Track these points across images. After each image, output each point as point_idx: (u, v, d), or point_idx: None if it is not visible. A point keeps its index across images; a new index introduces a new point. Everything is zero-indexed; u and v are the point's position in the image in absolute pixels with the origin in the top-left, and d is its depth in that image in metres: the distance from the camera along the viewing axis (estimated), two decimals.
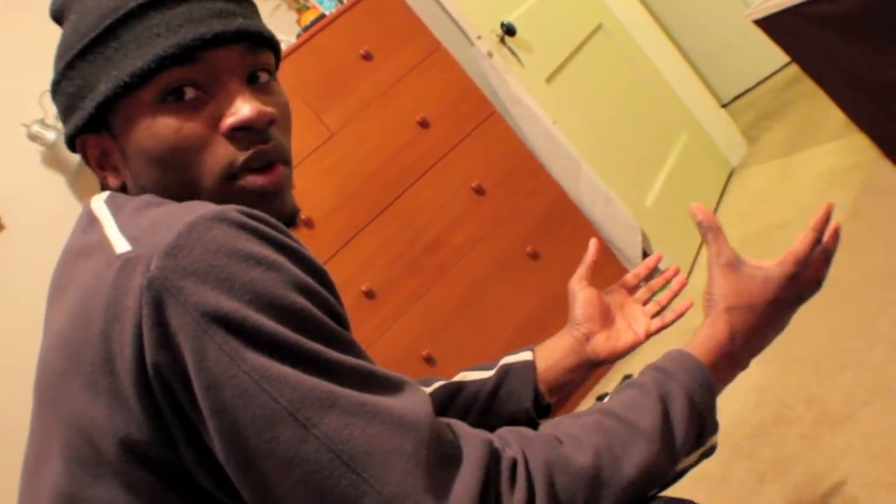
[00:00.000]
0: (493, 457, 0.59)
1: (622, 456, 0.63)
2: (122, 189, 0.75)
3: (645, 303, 1.04)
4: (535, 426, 0.82)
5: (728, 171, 3.00)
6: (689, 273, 2.58)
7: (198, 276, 0.56)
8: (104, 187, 0.76)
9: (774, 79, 3.47)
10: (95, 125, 0.73)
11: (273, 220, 0.62)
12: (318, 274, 0.62)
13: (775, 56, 2.32)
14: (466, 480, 0.56)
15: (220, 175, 0.70)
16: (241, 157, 0.70)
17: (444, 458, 0.57)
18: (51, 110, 2.14)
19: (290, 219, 0.75)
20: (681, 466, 0.69)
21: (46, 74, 0.85)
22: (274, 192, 0.72)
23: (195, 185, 0.70)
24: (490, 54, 2.44)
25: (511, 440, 0.62)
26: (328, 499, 0.54)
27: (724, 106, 3.56)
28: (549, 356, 0.98)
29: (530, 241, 2.33)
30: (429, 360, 2.14)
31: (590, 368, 0.99)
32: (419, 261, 2.20)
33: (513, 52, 2.47)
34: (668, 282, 1.05)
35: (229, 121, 0.70)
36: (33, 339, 0.75)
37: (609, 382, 2.32)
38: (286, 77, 2.08)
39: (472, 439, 0.60)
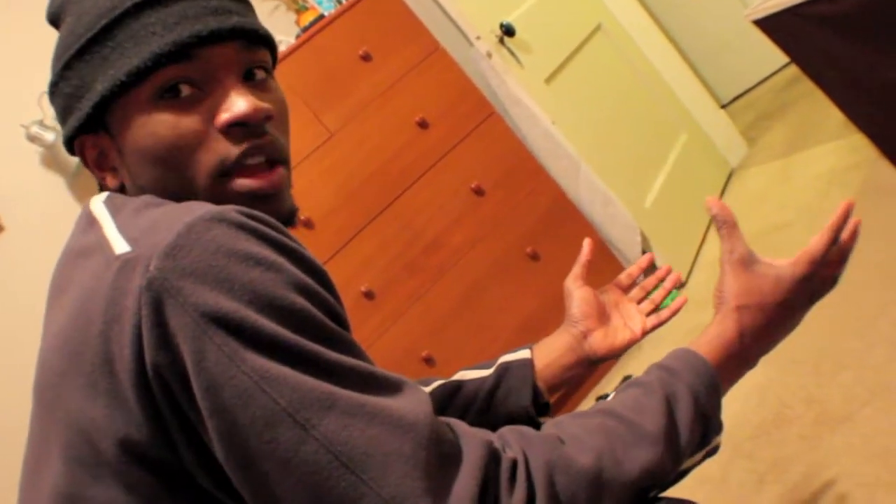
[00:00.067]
0: (493, 457, 0.59)
1: (624, 458, 0.63)
2: (121, 190, 0.74)
3: (639, 301, 1.04)
4: (534, 424, 0.81)
5: (727, 171, 3.00)
6: (689, 273, 2.58)
7: (197, 277, 0.56)
8: (103, 188, 0.76)
9: (774, 79, 3.47)
10: (93, 126, 0.72)
11: (273, 221, 0.62)
12: (318, 274, 0.62)
13: (775, 56, 2.32)
14: (466, 481, 0.56)
15: (214, 172, 0.69)
16: (235, 151, 0.69)
17: (443, 459, 0.57)
18: (49, 111, 2.14)
19: (289, 218, 0.74)
20: (684, 466, 0.69)
21: (45, 75, 0.85)
22: (272, 194, 0.71)
23: (191, 183, 0.70)
24: (489, 55, 2.44)
25: (511, 440, 0.62)
26: (327, 500, 0.54)
27: (723, 106, 3.56)
28: (548, 354, 0.99)
29: (530, 242, 2.33)
30: (428, 361, 2.14)
31: (588, 366, 0.99)
32: (418, 261, 2.20)
33: (512, 53, 2.47)
34: (661, 281, 1.05)
35: (224, 116, 0.70)
36: (33, 340, 0.75)
37: (609, 383, 2.32)
38: (285, 77, 2.09)
39: (471, 439, 0.59)
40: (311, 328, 0.58)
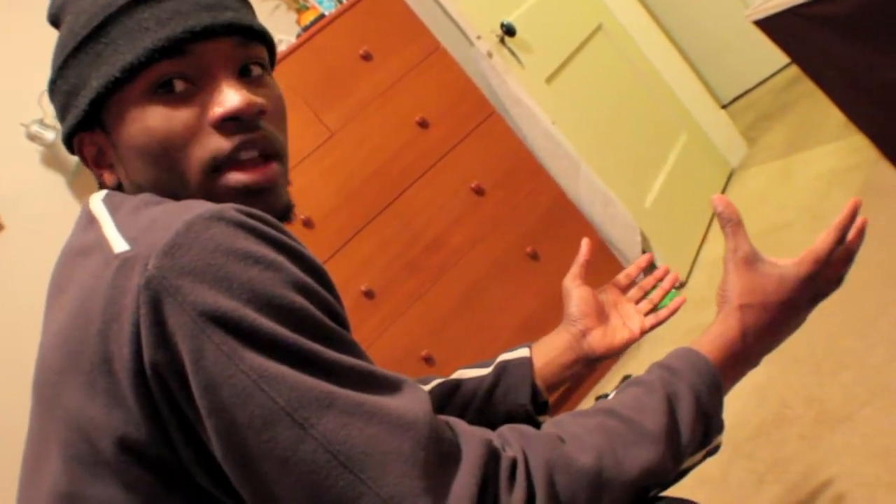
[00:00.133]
0: (493, 456, 0.59)
1: (625, 457, 0.63)
2: (119, 187, 0.74)
3: (638, 301, 1.04)
4: (533, 423, 0.81)
5: (728, 171, 3.00)
6: (689, 273, 2.58)
7: (196, 276, 0.56)
8: (101, 186, 0.76)
9: (774, 80, 3.47)
10: (90, 123, 0.73)
11: (272, 219, 0.62)
12: (318, 273, 0.62)
13: (775, 57, 2.32)
14: (465, 480, 0.56)
15: (207, 167, 0.69)
16: (228, 146, 0.69)
17: (442, 458, 0.57)
18: (49, 110, 2.14)
19: (284, 214, 0.74)
20: (685, 465, 0.69)
21: (45, 74, 0.85)
22: (266, 188, 0.71)
23: (184, 178, 0.69)
24: (490, 54, 2.44)
25: (511, 439, 0.62)
26: (325, 499, 0.54)
27: (723, 107, 3.56)
28: (547, 353, 0.98)
29: (530, 242, 2.33)
30: (428, 361, 2.14)
31: (586, 365, 0.99)
32: (418, 261, 2.20)
33: (512, 53, 2.47)
34: (659, 281, 1.05)
35: (217, 111, 0.69)
36: (33, 339, 0.75)
37: (609, 382, 2.32)
38: (286, 76, 2.09)
39: (471, 438, 0.59)
40: (310, 327, 0.58)
